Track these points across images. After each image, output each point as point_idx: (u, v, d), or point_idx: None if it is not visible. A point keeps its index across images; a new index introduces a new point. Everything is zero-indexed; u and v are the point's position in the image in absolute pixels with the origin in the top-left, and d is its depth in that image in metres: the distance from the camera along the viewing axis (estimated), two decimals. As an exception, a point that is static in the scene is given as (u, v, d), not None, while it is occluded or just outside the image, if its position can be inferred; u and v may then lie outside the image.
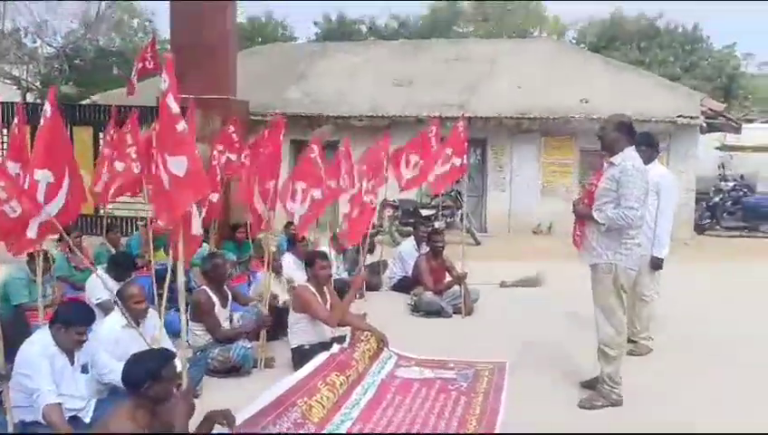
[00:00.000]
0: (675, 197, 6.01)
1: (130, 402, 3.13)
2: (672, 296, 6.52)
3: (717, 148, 18.27)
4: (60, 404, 3.85)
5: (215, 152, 8.44)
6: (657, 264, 5.89)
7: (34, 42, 26.94)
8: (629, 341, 5.94)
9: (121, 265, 6.08)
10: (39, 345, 3.94)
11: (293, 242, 7.96)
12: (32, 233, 4.06)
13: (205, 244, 8.17)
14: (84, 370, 4.17)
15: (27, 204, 3.95)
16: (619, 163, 4.69)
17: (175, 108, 4.03)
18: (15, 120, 4.61)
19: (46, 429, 3.77)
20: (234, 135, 8.72)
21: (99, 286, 5.71)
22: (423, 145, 8.45)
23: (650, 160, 5.87)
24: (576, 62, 16.48)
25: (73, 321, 3.99)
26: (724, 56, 28.68)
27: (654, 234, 5.81)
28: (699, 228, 15.17)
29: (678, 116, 13.81)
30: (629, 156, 4.71)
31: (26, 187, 4.18)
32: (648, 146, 5.91)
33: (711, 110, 14.36)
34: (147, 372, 3.08)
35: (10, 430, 3.66)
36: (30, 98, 24.83)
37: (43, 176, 4.38)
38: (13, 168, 4.47)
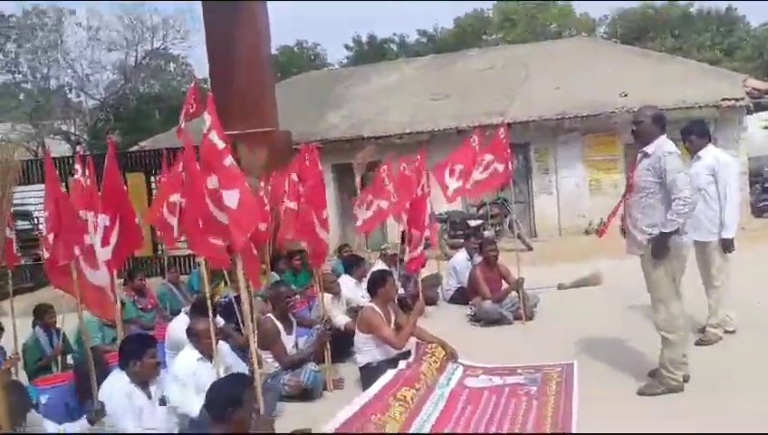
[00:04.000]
0: (734, 175, 5.87)
1: (214, 430, 3.24)
2: (737, 283, 6.35)
3: (765, 127, 17.84)
4: None
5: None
6: (727, 245, 5.76)
7: (78, 96, 28.03)
8: (698, 330, 5.89)
9: (204, 311, 6.13)
10: (117, 387, 4.11)
11: (350, 265, 8.05)
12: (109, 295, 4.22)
13: (273, 273, 8.36)
14: (162, 402, 4.32)
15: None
16: (653, 152, 4.72)
17: (219, 143, 4.12)
18: (79, 171, 4.84)
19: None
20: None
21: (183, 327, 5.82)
22: (467, 154, 8.47)
23: (701, 148, 5.86)
24: (612, 57, 16.35)
25: (141, 349, 4.15)
26: (763, 33, 28.01)
27: (719, 216, 5.73)
28: (757, 211, 14.78)
29: (722, 99, 13.54)
30: (662, 143, 4.73)
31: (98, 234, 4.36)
32: (699, 135, 5.91)
33: (755, 89, 14.04)
34: (229, 398, 3.19)
35: None
36: (79, 150, 25.74)
37: (101, 220, 4.59)
38: (83, 215, 4.69)
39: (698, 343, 5.73)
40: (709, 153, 5.86)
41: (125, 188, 5.02)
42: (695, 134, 5.90)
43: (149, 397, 4.22)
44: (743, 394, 4.64)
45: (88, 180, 4.74)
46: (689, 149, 5.95)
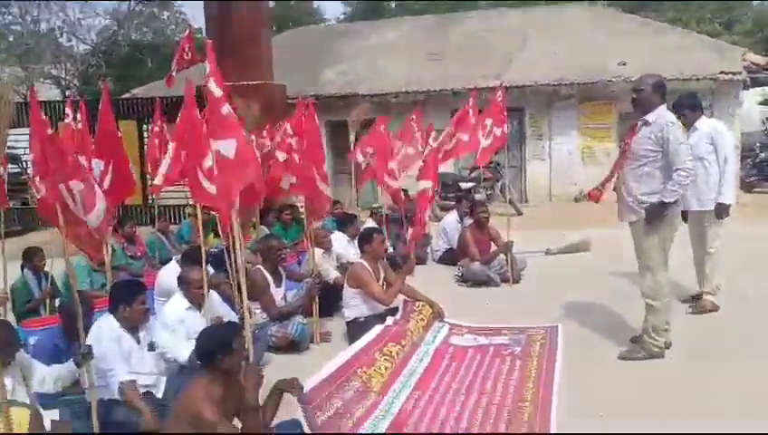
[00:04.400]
0: (730, 144, 5.91)
1: (204, 377, 3.28)
2: (729, 255, 6.31)
3: (761, 102, 17.83)
4: (134, 381, 4.05)
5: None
6: (720, 210, 5.78)
7: (70, 41, 27.50)
8: (692, 298, 6.00)
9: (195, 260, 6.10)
10: (106, 329, 4.13)
11: (342, 222, 8.06)
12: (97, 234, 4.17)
13: (262, 227, 8.38)
14: (150, 348, 4.35)
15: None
16: (654, 121, 4.71)
17: (217, 91, 4.05)
18: (70, 116, 4.77)
19: (123, 406, 3.98)
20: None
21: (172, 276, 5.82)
22: (462, 118, 8.44)
23: (695, 120, 5.89)
24: (612, 25, 16.21)
25: (131, 295, 4.17)
26: (765, 8, 27.82)
27: (718, 183, 5.76)
28: (747, 186, 14.85)
29: (720, 72, 13.49)
30: (664, 112, 4.74)
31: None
32: (692, 109, 5.91)
33: (753, 64, 13.99)
34: (219, 345, 3.22)
35: (94, 406, 3.85)
36: (69, 95, 25.36)
37: (95, 164, 4.55)
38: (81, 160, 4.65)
39: (693, 312, 5.85)
40: (705, 124, 5.90)
41: (119, 134, 4.95)
42: (687, 108, 5.91)
43: (138, 342, 4.25)
44: (723, 363, 4.74)
45: (79, 124, 4.68)
46: (684, 124, 5.95)
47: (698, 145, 5.72)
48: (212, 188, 4.29)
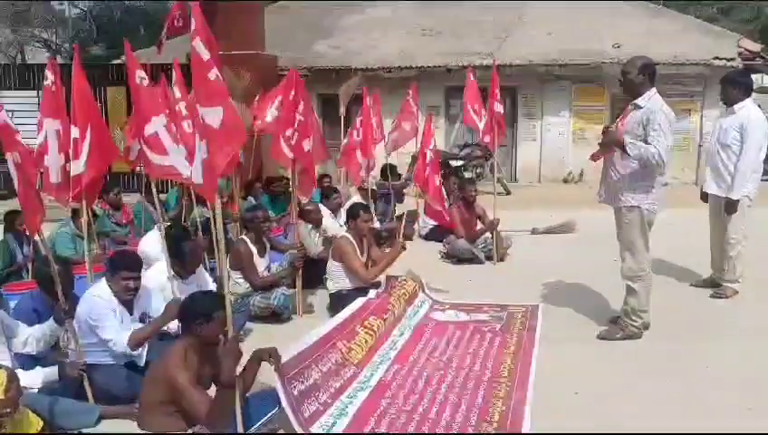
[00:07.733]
0: (757, 136, 5.67)
1: (181, 342, 3.29)
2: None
3: (753, 90, 17.79)
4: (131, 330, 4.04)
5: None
6: (729, 208, 5.74)
7: (62, 4, 27.13)
8: (715, 283, 6.04)
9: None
10: (104, 299, 4.09)
11: (326, 195, 8.05)
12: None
13: (250, 198, 8.34)
14: (141, 320, 4.34)
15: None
16: (644, 105, 4.67)
17: (204, 54, 3.71)
18: (51, 79, 4.68)
19: (103, 371, 3.99)
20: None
21: (154, 243, 5.79)
22: (474, 94, 8.32)
23: (735, 103, 5.77)
24: (608, 7, 16.08)
25: (118, 266, 4.14)
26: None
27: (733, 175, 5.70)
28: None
29: (714, 58, 13.47)
30: (656, 98, 4.68)
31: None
32: (732, 86, 5.79)
33: (748, 51, 13.96)
34: (201, 311, 3.24)
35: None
36: (60, 60, 25.05)
37: (72, 132, 4.46)
38: (52, 124, 4.57)
39: (714, 296, 5.90)
40: (743, 110, 5.73)
41: (94, 97, 4.79)
42: (729, 85, 5.80)
43: (131, 313, 4.24)
44: (701, 344, 4.80)
45: (53, 87, 4.54)
46: (725, 102, 5.86)
47: (728, 131, 5.69)
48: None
